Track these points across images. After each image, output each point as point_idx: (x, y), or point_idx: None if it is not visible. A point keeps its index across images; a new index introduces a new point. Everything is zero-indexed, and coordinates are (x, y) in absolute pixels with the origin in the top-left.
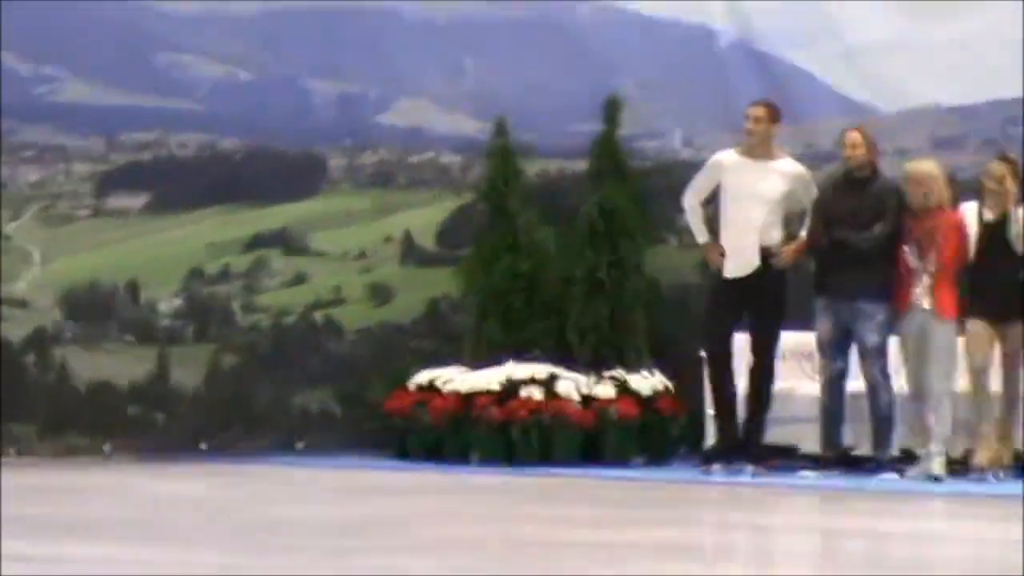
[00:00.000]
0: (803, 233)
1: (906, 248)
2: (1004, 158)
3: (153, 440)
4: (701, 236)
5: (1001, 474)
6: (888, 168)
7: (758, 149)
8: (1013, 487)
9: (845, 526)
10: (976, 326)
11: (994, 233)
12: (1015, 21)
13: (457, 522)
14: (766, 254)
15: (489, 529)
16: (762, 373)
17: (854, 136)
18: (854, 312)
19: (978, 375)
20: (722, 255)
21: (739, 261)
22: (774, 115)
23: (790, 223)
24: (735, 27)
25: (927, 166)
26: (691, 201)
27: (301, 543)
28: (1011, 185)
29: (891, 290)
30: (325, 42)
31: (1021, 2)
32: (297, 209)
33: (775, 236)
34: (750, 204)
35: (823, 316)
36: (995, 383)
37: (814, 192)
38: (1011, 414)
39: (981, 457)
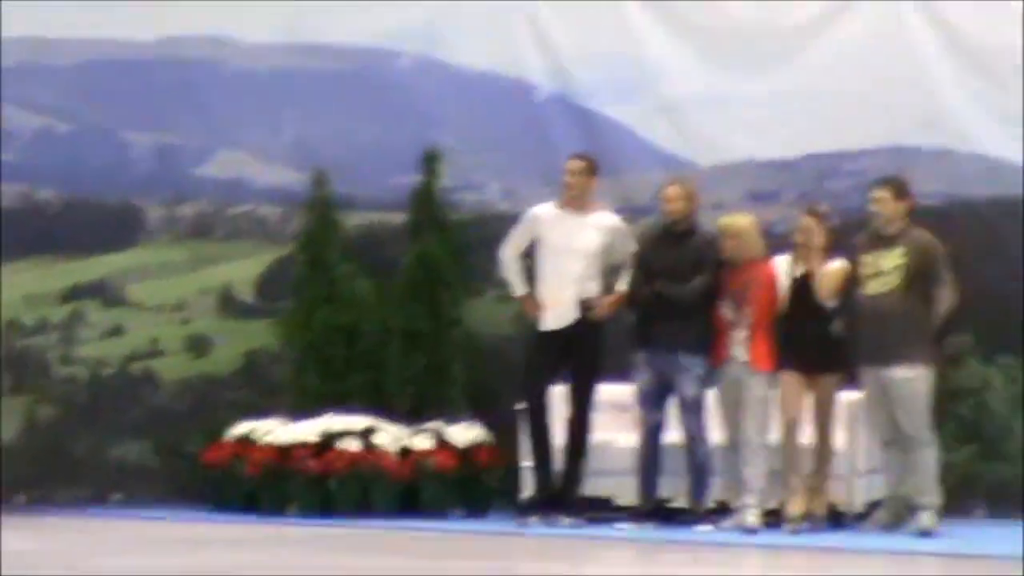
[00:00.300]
0: (621, 286)
1: (723, 301)
2: (812, 212)
3: None
4: (519, 289)
5: (813, 526)
6: (705, 221)
7: (575, 202)
8: (825, 539)
9: None
10: (788, 378)
11: (803, 286)
12: (830, 76)
13: (273, 573)
14: (584, 307)
15: None
16: (579, 425)
17: (672, 190)
18: (673, 364)
19: (790, 427)
20: (540, 307)
21: (557, 313)
22: (591, 168)
23: (608, 276)
24: (553, 81)
25: (741, 220)
26: (508, 254)
27: None
28: (818, 239)
29: (709, 343)
30: (143, 93)
31: (834, 56)
32: (115, 261)
33: (593, 288)
34: (567, 257)
35: (642, 368)
36: (808, 435)
37: (631, 245)
38: (823, 466)
39: (793, 509)
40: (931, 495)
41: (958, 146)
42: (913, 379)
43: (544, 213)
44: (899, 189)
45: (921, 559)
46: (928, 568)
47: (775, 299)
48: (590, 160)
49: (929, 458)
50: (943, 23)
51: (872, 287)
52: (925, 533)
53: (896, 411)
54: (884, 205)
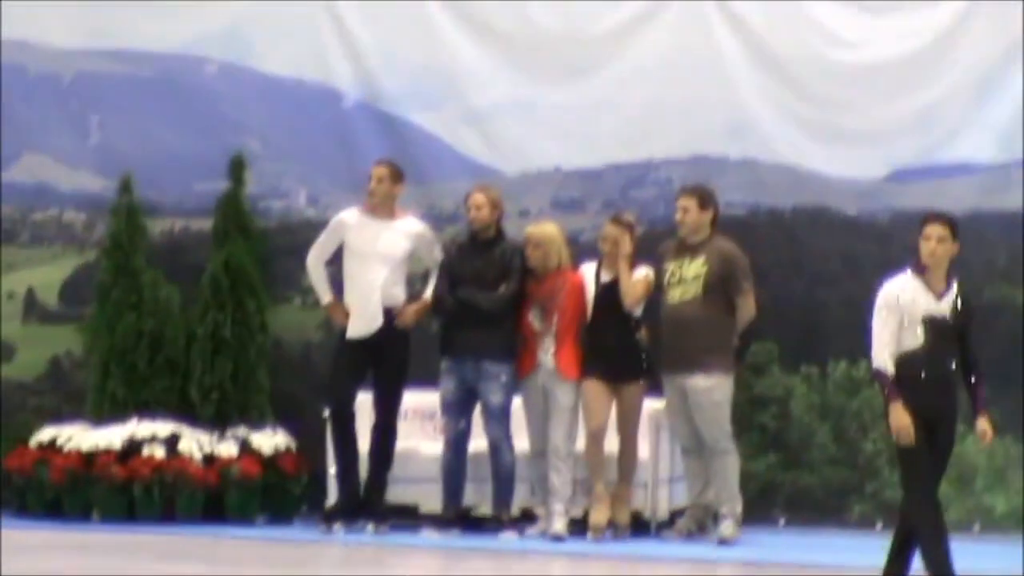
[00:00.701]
0: (427, 293)
1: (530, 309)
2: (618, 220)
3: None
4: (325, 296)
5: (619, 533)
6: (511, 229)
7: (381, 209)
8: (629, 547)
9: None
10: (593, 386)
11: (609, 294)
12: (636, 85)
13: None
14: (390, 314)
15: None
16: (385, 432)
17: (478, 198)
18: (478, 372)
19: (595, 435)
20: (346, 314)
21: (362, 320)
22: (396, 175)
23: (414, 283)
24: (360, 88)
25: (547, 229)
26: (314, 260)
27: None
28: (624, 247)
29: (515, 350)
30: None
31: (640, 66)
32: None
33: (399, 295)
34: (372, 263)
35: (447, 376)
36: (613, 443)
37: (437, 252)
38: (627, 474)
39: (597, 517)
40: (732, 503)
41: (763, 156)
42: (712, 387)
43: (350, 219)
44: (703, 198)
45: (721, 567)
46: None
47: (582, 307)
48: (395, 167)
49: (729, 466)
50: (748, 34)
51: (675, 295)
52: (726, 541)
53: (696, 419)
54: (688, 214)
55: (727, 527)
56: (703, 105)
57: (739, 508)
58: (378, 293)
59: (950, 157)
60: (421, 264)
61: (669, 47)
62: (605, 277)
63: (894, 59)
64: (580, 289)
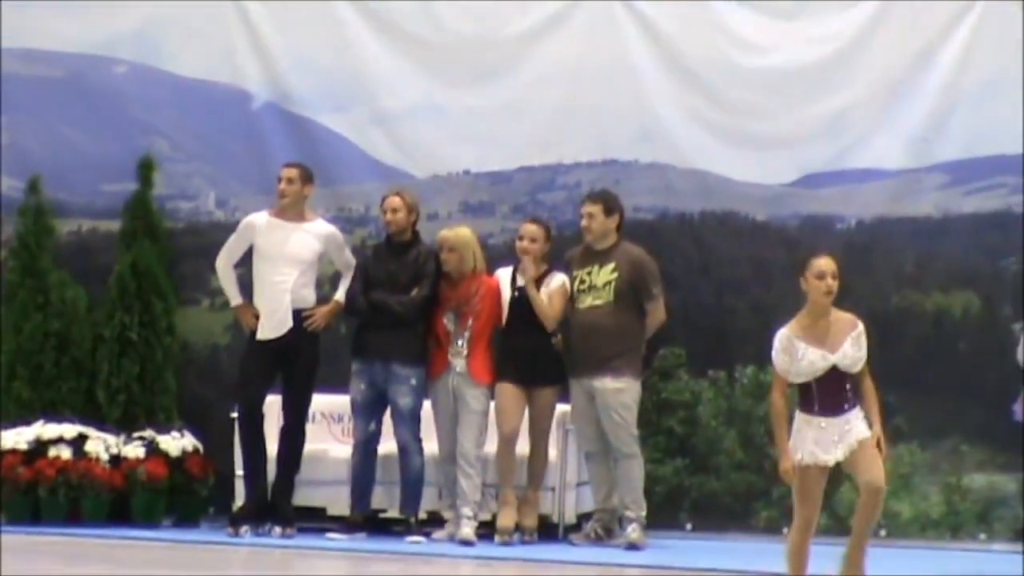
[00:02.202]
0: (338, 295)
1: (444, 313)
2: (537, 221)
3: None
4: (234, 298)
5: (527, 537)
6: (422, 233)
7: (290, 210)
8: (536, 551)
9: None
10: (506, 390)
11: (524, 298)
12: (546, 88)
13: None
14: (299, 316)
15: None
16: (293, 434)
17: (395, 201)
18: (389, 375)
19: (508, 439)
20: (255, 317)
21: (272, 323)
22: (306, 176)
23: (323, 285)
24: (270, 89)
25: (461, 233)
26: (223, 263)
27: None
28: (529, 268)
29: (425, 353)
30: None
31: (550, 70)
32: None
33: (308, 297)
34: (282, 265)
35: (357, 378)
36: (523, 447)
37: (347, 254)
38: (537, 478)
39: (505, 521)
40: (637, 507)
41: (672, 161)
42: (621, 390)
43: (259, 221)
44: (608, 204)
45: (629, 571)
46: None
47: (497, 312)
48: (304, 168)
49: (635, 470)
50: (658, 38)
51: (584, 302)
52: (632, 546)
53: (603, 422)
54: (594, 220)
55: (633, 531)
56: (613, 109)
57: (643, 512)
58: (288, 295)
59: (860, 162)
60: (332, 265)
61: (579, 51)
62: (521, 282)
63: (804, 64)
64: (496, 293)
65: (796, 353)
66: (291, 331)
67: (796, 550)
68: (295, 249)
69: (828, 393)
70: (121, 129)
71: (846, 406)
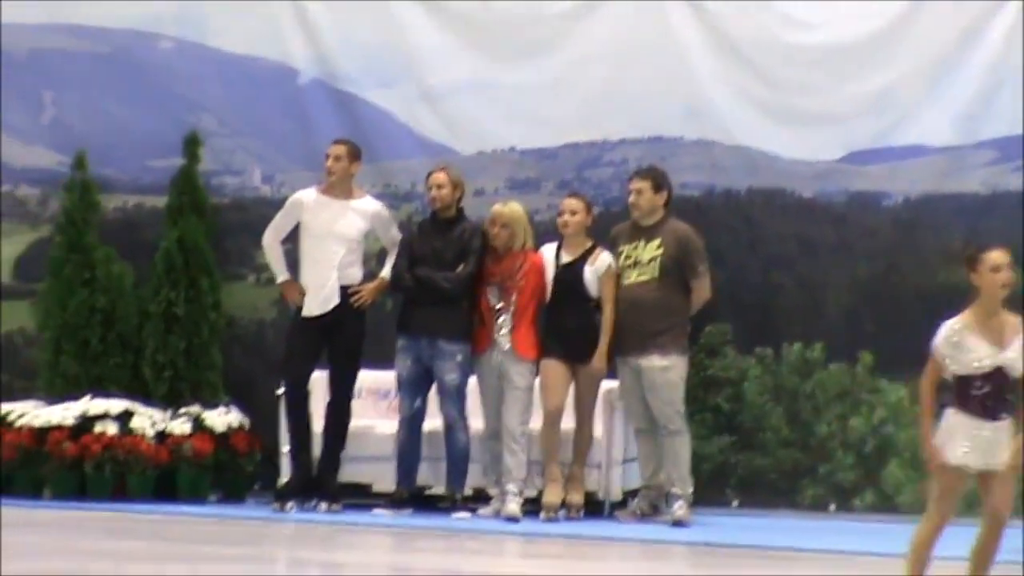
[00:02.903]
0: (384, 272)
1: (488, 288)
2: (578, 195)
3: None
4: (281, 275)
5: (573, 514)
6: (467, 209)
7: (338, 187)
8: (582, 527)
9: (417, 565)
10: (551, 366)
11: (568, 274)
12: (593, 65)
13: (24, 557)
14: (346, 293)
15: (57, 564)
16: (339, 410)
17: (440, 177)
18: (434, 351)
19: (552, 416)
20: (301, 293)
21: (318, 299)
22: (353, 153)
23: (370, 262)
24: (316, 66)
25: (514, 209)
26: (270, 239)
27: None
28: (585, 221)
29: (470, 329)
30: None
31: (597, 46)
32: None
33: (355, 274)
34: (329, 242)
35: (403, 354)
36: (568, 423)
37: (394, 231)
38: (582, 455)
39: (551, 497)
40: (683, 485)
41: (719, 137)
42: (667, 367)
43: (306, 198)
44: (657, 181)
45: (674, 548)
46: (678, 559)
47: (543, 287)
48: (352, 145)
49: (681, 447)
50: (706, 15)
51: (630, 278)
52: (678, 523)
53: (649, 399)
54: (642, 197)
55: (679, 508)
56: (660, 86)
57: (690, 489)
58: (335, 272)
59: (906, 139)
60: (378, 242)
61: (627, 28)
62: (565, 258)
63: (851, 41)
64: (540, 269)
65: (964, 345)
66: (337, 307)
67: (923, 546)
68: (342, 226)
69: (989, 394)
70: (167, 105)
71: (1003, 412)
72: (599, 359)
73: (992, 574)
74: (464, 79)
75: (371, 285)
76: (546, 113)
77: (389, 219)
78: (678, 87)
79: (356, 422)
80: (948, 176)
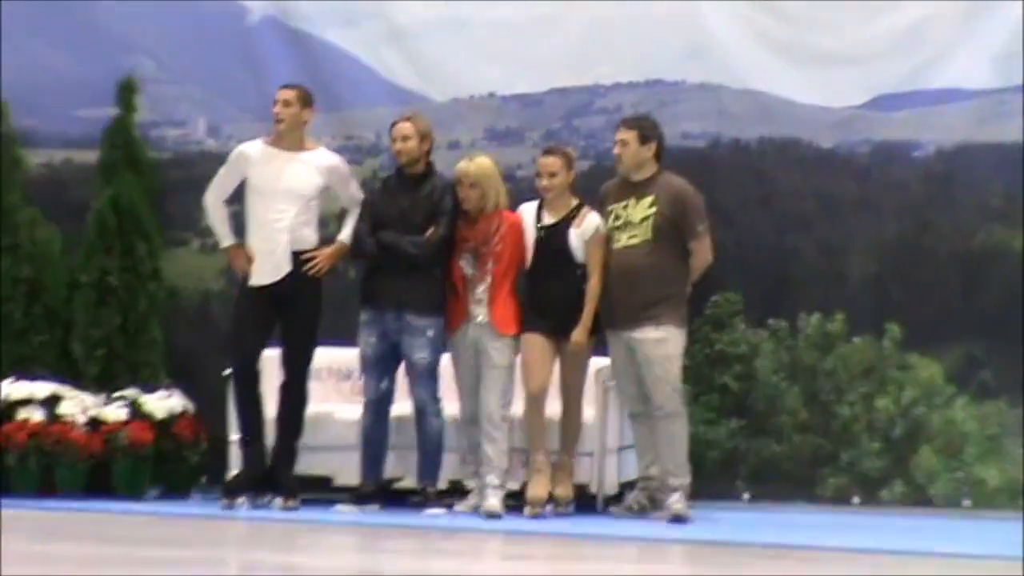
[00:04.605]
0: (343, 236)
1: (461, 255)
2: (557, 151)
3: None
4: (225, 239)
5: (561, 509)
6: (441, 164)
7: (287, 138)
8: (572, 525)
9: (385, 568)
10: (534, 342)
11: (551, 238)
12: (580, 3)
13: None
14: (299, 259)
15: None
16: (294, 394)
17: (405, 127)
18: (402, 326)
19: (536, 398)
20: (249, 260)
21: (267, 266)
22: (305, 98)
23: (328, 224)
24: (268, 1)
25: (483, 164)
26: (213, 199)
27: None
28: (565, 181)
29: (443, 302)
30: None
31: None
32: None
33: (309, 237)
34: (278, 200)
35: (367, 330)
36: (555, 408)
37: (354, 188)
38: (571, 442)
39: (537, 491)
40: (681, 474)
41: (726, 81)
42: (662, 340)
43: (251, 151)
44: (644, 130)
45: (678, 547)
46: (682, 559)
47: (521, 253)
48: (302, 90)
49: (678, 431)
50: None
51: (620, 240)
52: (677, 518)
53: (644, 377)
54: (627, 149)
55: (677, 502)
56: (658, 23)
57: (688, 480)
58: (285, 235)
59: (938, 82)
60: (336, 202)
61: None
62: (548, 219)
63: None
64: (519, 232)
65: None
66: (289, 276)
67: None
68: (293, 182)
69: None
70: (98, 47)
71: None
72: (580, 333)
73: (992, 574)
74: (437, 16)
75: (328, 250)
76: (530, 54)
77: (348, 174)
78: (679, 24)
79: (315, 407)
80: (986, 123)
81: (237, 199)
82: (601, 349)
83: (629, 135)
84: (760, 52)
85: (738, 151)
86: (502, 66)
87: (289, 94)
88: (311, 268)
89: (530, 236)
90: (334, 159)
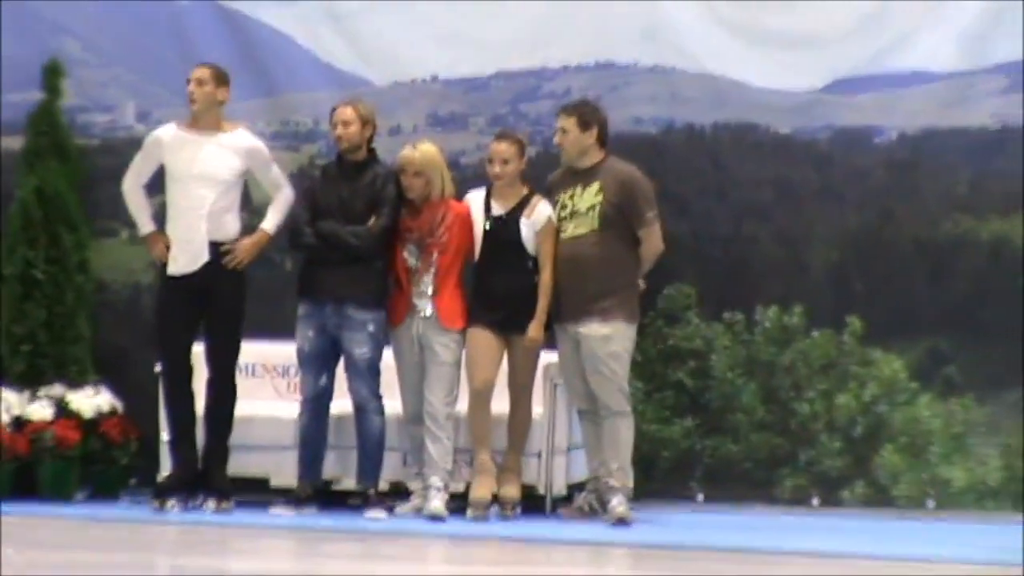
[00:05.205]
0: (267, 224)
1: (404, 246)
2: (508, 136)
3: None
4: (144, 226)
5: (507, 511)
6: (381, 150)
7: (202, 120)
8: (518, 527)
9: (324, 572)
10: (480, 337)
11: (501, 228)
12: None
13: None
14: (218, 248)
15: None
16: (221, 390)
17: (345, 112)
18: (342, 320)
19: (481, 394)
20: (167, 248)
21: (185, 255)
22: (220, 77)
23: (260, 212)
24: None
25: (427, 151)
26: (129, 184)
27: None
28: (517, 168)
29: (385, 295)
30: None
31: None
32: None
33: (230, 225)
34: (194, 186)
35: (305, 324)
36: (502, 404)
37: (276, 172)
38: (519, 441)
39: (481, 492)
40: (623, 476)
41: (680, 63)
42: (608, 337)
43: (165, 135)
44: (584, 116)
45: (624, 552)
46: (631, 563)
47: (469, 243)
48: (216, 68)
49: (623, 431)
50: None
51: (567, 230)
52: (620, 521)
53: (588, 374)
54: (567, 136)
55: (619, 504)
56: (609, 3)
57: (631, 483)
58: (203, 223)
59: (902, 64)
60: (259, 187)
61: None
62: (497, 208)
63: None
64: (466, 222)
65: None
66: (207, 266)
67: None
68: (209, 166)
69: None
70: (22, 27)
71: None
72: (535, 328)
73: (992, 574)
74: None
75: (247, 241)
76: (475, 36)
77: (268, 157)
78: (631, 4)
79: (250, 405)
80: (952, 107)
81: (161, 188)
82: (549, 344)
83: (568, 122)
84: (715, 33)
85: (692, 137)
86: (446, 48)
87: (203, 72)
88: (230, 261)
89: (478, 226)
90: (253, 141)
